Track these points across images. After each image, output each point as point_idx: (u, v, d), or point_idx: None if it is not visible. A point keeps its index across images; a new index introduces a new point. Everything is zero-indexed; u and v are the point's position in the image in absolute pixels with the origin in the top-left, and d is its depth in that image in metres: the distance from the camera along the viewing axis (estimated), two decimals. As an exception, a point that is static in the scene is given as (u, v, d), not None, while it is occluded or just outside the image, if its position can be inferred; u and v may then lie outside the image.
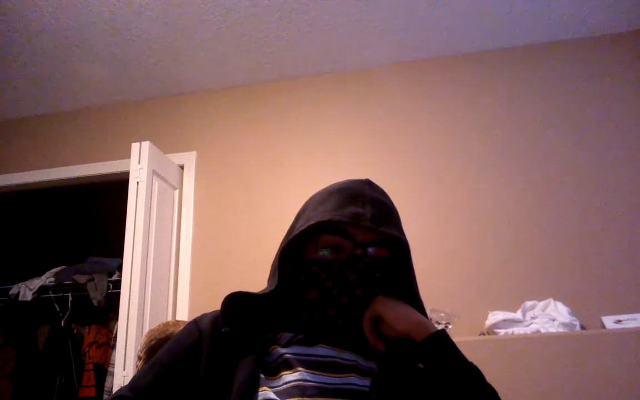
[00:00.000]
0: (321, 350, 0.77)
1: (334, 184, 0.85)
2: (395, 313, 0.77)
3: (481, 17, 2.43)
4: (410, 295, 0.82)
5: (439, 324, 1.95)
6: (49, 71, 2.72)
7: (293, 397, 0.70)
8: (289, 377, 0.73)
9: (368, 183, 0.84)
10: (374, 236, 0.78)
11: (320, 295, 0.78)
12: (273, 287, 0.80)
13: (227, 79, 2.86)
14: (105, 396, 2.78)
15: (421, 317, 0.78)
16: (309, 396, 0.71)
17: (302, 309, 0.82)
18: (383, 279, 0.80)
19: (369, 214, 0.77)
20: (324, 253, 0.79)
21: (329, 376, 0.74)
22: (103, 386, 2.87)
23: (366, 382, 0.74)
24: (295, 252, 0.83)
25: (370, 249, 0.78)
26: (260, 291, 0.83)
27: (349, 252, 0.78)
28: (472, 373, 0.75)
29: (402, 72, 2.74)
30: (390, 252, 0.81)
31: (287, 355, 0.75)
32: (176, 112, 2.96)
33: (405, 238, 0.81)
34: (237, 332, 0.81)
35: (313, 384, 0.72)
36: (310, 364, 0.74)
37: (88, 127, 3.04)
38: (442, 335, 0.76)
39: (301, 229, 0.79)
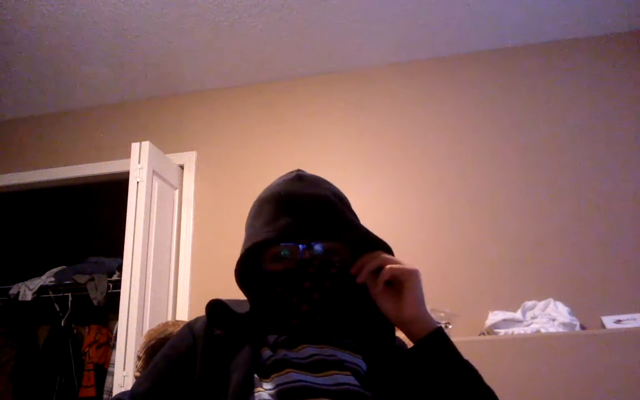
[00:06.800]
0: (305, 351, 0.77)
1: (267, 189, 0.85)
2: (417, 296, 0.77)
3: (481, 17, 2.43)
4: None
5: (439, 324, 1.95)
6: (49, 71, 2.72)
7: (287, 399, 0.71)
8: (280, 379, 0.73)
9: (298, 178, 0.83)
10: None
11: (282, 306, 0.79)
12: (248, 309, 0.82)
13: (227, 79, 2.86)
14: (105, 396, 2.78)
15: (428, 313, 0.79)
16: (302, 397, 0.71)
17: (275, 314, 0.82)
18: (342, 268, 0.79)
19: (301, 223, 0.76)
20: (275, 265, 0.80)
21: (317, 376, 0.74)
22: (103, 386, 2.87)
23: (351, 378, 0.74)
24: (254, 263, 0.84)
25: (317, 247, 0.78)
26: (238, 307, 0.84)
27: (297, 257, 0.77)
28: (471, 374, 0.75)
29: (402, 72, 2.74)
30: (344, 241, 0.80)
31: (275, 358, 0.76)
32: (176, 112, 2.96)
33: (346, 220, 0.79)
34: (231, 334, 0.81)
35: (304, 384, 0.72)
36: (297, 365, 0.75)
37: (88, 127, 3.04)
38: (442, 333, 0.77)
39: (242, 252, 0.80)
